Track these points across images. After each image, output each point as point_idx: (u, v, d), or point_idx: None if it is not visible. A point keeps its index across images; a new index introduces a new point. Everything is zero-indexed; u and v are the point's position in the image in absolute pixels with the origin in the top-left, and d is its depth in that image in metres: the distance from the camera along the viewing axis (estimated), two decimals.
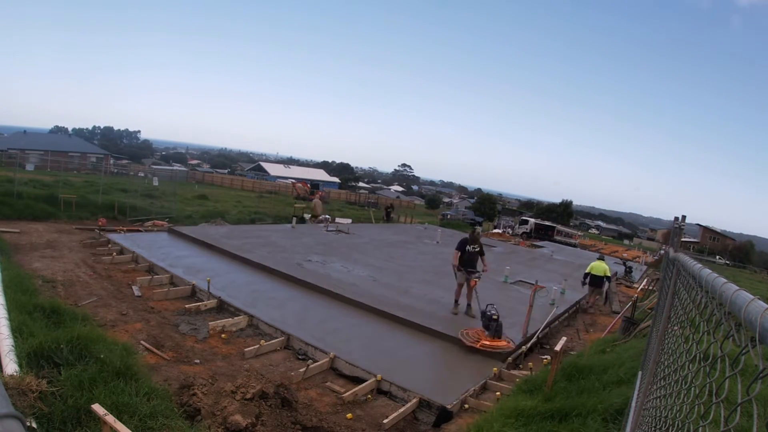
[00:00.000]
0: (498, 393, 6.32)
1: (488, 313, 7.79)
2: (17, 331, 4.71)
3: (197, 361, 6.05)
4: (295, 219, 20.20)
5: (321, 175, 78.09)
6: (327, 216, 21.57)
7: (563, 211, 60.51)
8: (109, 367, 4.36)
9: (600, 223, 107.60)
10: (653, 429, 2.10)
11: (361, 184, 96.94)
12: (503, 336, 7.81)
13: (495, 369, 6.96)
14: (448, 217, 40.94)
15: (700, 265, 1.63)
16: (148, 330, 6.75)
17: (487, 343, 7.55)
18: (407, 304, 9.44)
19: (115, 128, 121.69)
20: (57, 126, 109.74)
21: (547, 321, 9.39)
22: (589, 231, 74.38)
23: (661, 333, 2.73)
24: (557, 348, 6.02)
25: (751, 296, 0.93)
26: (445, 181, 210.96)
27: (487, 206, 59.09)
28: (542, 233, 37.94)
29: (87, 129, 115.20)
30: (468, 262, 8.93)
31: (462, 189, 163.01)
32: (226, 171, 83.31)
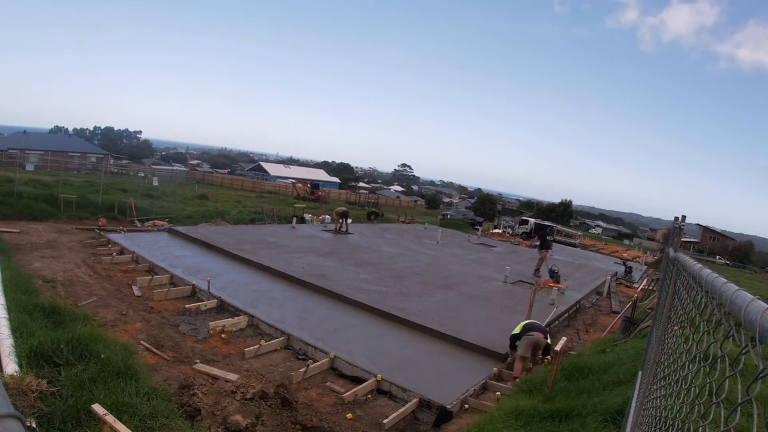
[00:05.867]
0: (498, 393, 6.32)
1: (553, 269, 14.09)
2: (17, 331, 4.71)
3: (197, 361, 6.05)
4: (295, 219, 20.28)
5: (321, 175, 78.05)
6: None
7: (563, 211, 60.49)
8: (110, 367, 4.36)
9: (600, 223, 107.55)
10: (653, 429, 2.09)
11: (361, 184, 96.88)
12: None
13: (495, 369, 6.97)
14: (448, 217, 40.87)
15: (700, 265, 1.62)
16: (148, 330, 6.75)
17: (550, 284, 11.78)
18: (407, 304, 9.44)
19: (116, 128, 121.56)
20: (57, 126, 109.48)
21: (547, 321, 9.39)
22: (589, 231, 74.30)
23: (661, 333, 2.72)
24: (557, 348, 6.03)
25: (751, 296, 0.93)
26: (445, 181, 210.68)
27: (487, 206, 59.04)
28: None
29: (87, 129, 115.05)
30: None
31: (462, 189, 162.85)
32: (226, 171, 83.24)
